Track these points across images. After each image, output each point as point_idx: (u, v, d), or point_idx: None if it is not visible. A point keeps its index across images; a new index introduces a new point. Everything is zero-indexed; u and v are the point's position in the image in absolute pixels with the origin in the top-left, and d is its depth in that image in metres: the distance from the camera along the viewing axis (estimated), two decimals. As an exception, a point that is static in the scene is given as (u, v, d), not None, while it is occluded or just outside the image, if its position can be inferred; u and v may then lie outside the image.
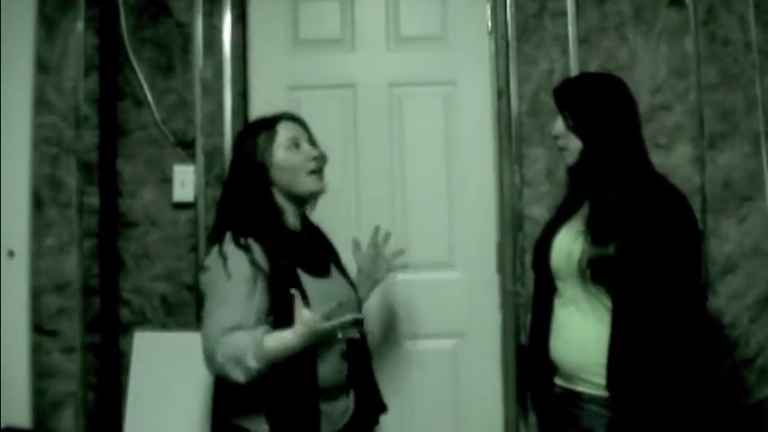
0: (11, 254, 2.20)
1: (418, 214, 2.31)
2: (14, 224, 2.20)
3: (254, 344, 1.47)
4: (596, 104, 1.62)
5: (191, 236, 2.25)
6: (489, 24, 2.32)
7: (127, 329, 2.20)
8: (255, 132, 1.67)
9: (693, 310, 1.57)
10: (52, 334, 2.22)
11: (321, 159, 1.68)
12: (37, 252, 2.22)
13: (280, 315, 1.54)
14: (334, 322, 1.46)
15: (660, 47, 2.23)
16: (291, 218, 1.67)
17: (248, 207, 1.61)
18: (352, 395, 1.69)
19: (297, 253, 1.62)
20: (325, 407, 1.59)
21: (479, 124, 2.33)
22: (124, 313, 2.24)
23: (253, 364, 1.46)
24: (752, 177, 2.21)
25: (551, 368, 1.68)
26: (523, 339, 2.16)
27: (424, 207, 2.31)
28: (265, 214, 1.62)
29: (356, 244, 1.93)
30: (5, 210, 2.19)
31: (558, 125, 1.66)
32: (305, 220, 1.73)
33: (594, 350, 1.57)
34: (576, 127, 1.62)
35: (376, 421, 1.78)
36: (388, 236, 1.94)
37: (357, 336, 1.61)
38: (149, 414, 2.02)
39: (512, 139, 2.24)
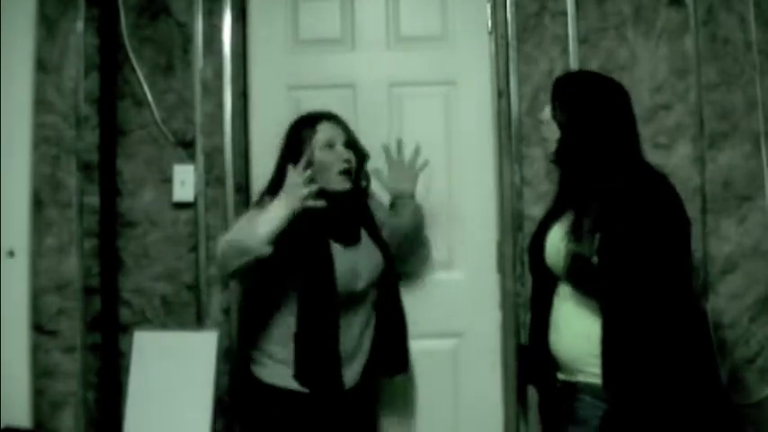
0: (11, 254, 2.20)
1: (418, 214, 2.30)
2: (14, 224, 2.20)
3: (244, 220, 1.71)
4: (580, 98, 1.66)
5: (191, 236, 2.24)
6: (489, 24, 2.32)
7: (127, 329, 2.20)
8: (299, 128, 1.87)
9: (682, 301, 1.57)
10: (52, 334, 2.22)
11: (350, 162, 1.85)
12: (37, 252, 2.22)
13: (310, 277, 1.77)
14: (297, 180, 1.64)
15: (660, 46, 2.23)
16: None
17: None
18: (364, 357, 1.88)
19: (326, 224, 1.79)
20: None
21: (479, 124, 2.32)
22: (124, 313, 2.24)
23: (244, 235, 1.64)
24: (752, 177, 2.21)
25: (553, 363, 1.70)
26: (523, 339, 2.16)
27: (423, 207, 2.30)
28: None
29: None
30: (5, 210, 2.19)
31: (546, 111, 1.71)
32: (354, 186, 1.88)
33: (589, 341, 1.59)
34: (557, 116, 1.67)
35: (389, 375, 1.98)
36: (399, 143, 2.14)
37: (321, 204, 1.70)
38: (149, 414, 2.02)
39: (512, 139, 2.24)
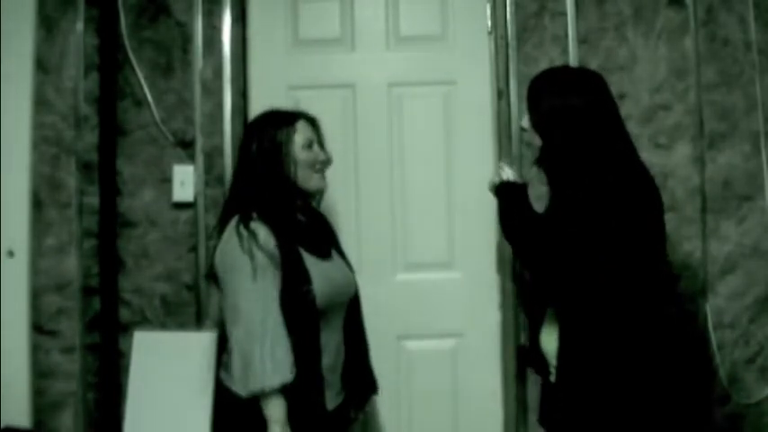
0: (11, 254, 2.20)
1: (418, 214, 2.31)
2: (14, 224, 2.20)
3: (268, 385, 1.55)
4: (550, 106, 1.64)
5: (190, 236, 2.24)
6: (489, 24, 2.32)
7: (127, 329, 2.20)
8: (277, 125, 1.77)
9: (638, 304, 1.57)
10: (52, 334, 2.22)
11: (328, 162, 1.81)
12: (37, 252, 2.22)
13: (287, 289, 1.63)
14: None
15: (660, 47, 2.23)
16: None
17: (269, 189, 1.71)
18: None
19: (300, 235, 1.72)
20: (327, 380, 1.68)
21: (479, 124, 2.32)
22: (124, 313, 2.24)
23: (253, 384, 1.55)
24: (752, 177, 2.21)
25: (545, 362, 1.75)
26: (523, 339, 2.17)
27: (423, 207, 2.31)
28: (286, 195, 1.73)
29: None
30: (5, 210, 2.19)
31: (525, 120, 1.72)
32: (308, 207, 1.84)
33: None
34: (534, 125, 1.68)
35: (365, 401, 1.85)
36: None
37: None
38: (149, 414, 2.02)
39: (511, 139, 2.24)
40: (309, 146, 1.77)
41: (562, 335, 1.60)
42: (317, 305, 1.65)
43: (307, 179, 1.76)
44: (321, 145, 1.83)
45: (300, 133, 1.76)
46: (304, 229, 1.77)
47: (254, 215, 1.67)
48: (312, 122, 1.82)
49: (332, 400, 1.70)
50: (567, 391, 1.59)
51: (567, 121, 1.62)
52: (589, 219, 1.55)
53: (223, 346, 1.72)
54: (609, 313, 1.55)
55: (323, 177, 1.80)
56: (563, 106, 1.62)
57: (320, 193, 1.85)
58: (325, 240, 1.83)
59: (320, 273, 1.68)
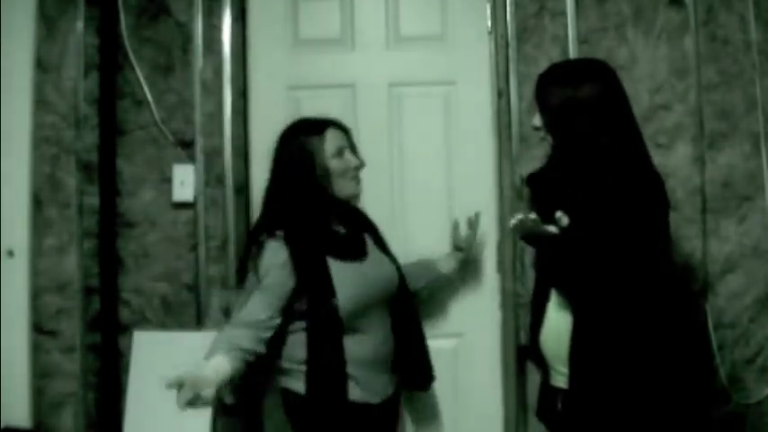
0: (11, 254, 2.20)
1: (418, 214, 2.30)
2: (14, 224, 2.20)
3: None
4: (561, 104, 1.61)
5: (190, 236, 2.24)
6: (489, 24, 2.32)
7: (127, 329, 2.20)
8: (305, 134, 1.80)
9: (655, 299, 1.58)
10: (52, 334, 2.22)
11: (360, 167, 1.85)
12: (37, 252, 2.22)
13: (311, 297, 1.73)
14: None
15: (660, 47, 2.23)
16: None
17: (300, 200, 1.76)
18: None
19: (330, 244, 1.77)
20: (364, 376, 1.76)
21: (479, 124, 2.32)
22: (124, 313, 2.24)
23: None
24: (752, 177, 2.21)
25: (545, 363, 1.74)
26: (524, 339, 2.16)
27: (423, 207, 2.31)
28: (317, 205, 1.78)
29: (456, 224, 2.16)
30: (5, 210, 2.19)
31: (536, 118, 1.68)
32: (346, 208, 1.87)
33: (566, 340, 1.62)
34: (545, 124, 1.65)
35: (424, 389, 2.01)
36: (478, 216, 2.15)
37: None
38: (149, 414, 2.02)
39: (512, 139, 2.24)
40: (340, 154, 1.80)
41: (574, 334, 1.58)
42: (345, 311, 1.71)
43: (340, 187, 1.81)
44: (353, 151, 1.86)
45: (330, 142, 1.79)
46: (335, 236, 1.81)
47: (278, 233, 1.73)
48: (342, 129, 1.85)
49: (375, 395, 1.78)
50: (569, 391, 1.59)
51: (580, 111, 1.59)
52: (590, 219, 1.55)
53: (277, 353, 1.79)
54: (608, 313, 1.55)
55: (357, 184, 1.84)
56: (575, 97, 1.60)
57: (352, 199, 1.88)
58: (361, 240, 1.87)
59: (350, 276, 1.75)
